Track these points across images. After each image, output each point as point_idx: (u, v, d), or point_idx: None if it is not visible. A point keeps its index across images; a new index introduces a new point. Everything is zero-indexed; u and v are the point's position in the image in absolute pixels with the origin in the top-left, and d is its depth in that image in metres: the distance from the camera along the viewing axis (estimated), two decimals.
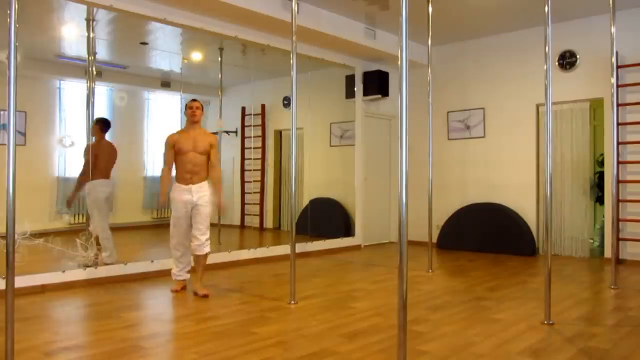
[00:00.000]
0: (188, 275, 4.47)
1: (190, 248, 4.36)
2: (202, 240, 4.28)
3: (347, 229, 7.36)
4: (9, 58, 2.39)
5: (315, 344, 3.02)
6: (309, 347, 2.96)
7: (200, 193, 4.27)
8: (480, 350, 2.91)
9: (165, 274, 5.07)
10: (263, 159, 7.43)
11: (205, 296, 4.17)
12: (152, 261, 5.06)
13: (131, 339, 3.11)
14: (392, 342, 2.99)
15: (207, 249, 4.32)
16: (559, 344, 3.04)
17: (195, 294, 4.25)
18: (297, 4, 4.47)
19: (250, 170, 7.44)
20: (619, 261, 5.87)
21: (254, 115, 7.27)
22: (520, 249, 6.61)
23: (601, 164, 6.86)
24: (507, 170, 7.00)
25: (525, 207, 6.80)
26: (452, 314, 3.73)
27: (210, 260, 6.17)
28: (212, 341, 3.06)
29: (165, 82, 7.09)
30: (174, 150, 4.29)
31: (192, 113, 4.34)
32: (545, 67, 3.66)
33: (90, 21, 5.07)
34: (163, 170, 4.36)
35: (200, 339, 3.10)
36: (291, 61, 4.13)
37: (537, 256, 6.55)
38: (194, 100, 4.40)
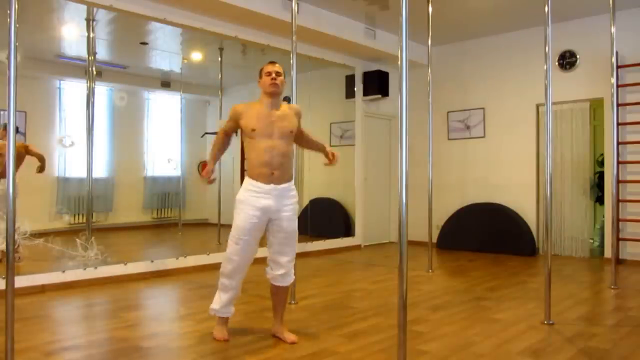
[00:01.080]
0: (233, 310, 3.16)
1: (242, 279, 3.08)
2: (289, 268, 3.03)
3: (346, 229, 7.36)
4: (9, 58, 2.39)
5: (315, 344, 3.02)
6: (309, 347, 2.96)
7: (287, 199, 2.97)
8: (480, 350, 2.91)
9: (165, 274, 5.07)
10: None
11: (294, 343, 3.01)
12: (152, 261, 5.06)
13: (131, 339, 3.11)
14: (392, 342, 2.98)
15: (292, 278, 3.11)
16: (559, 344, 3.04)
17: (275, 336, 3.11)
18: (297, 4, 4.42)
19: None
20: (619, 261, 5.87)
21: None
22: (520, 249, 6.61)
23: (601, 164, 6.86)
24: (507, 170, 7.00)
25: (525, 207, 6.80)
26: (452, 314, 3.73)
27: (211, 260, 6.17)
28: (212, 341, 3.06)
29: (166, 82, 7.10)
30: (238, 126, 2.99)
31: (273, 81, 2.93)
32: (545, 67, 3.66)
33: (90, 21, 5.08)
34: (216, 135, 3.13)
35: (201, 339, 3.10)
36: (291, 61, 4.14)
37: (537, 256, 6.55)
38: (272, 62, 3.03)
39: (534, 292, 4.42)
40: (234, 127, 3.03)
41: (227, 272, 2.98)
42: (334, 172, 7.66)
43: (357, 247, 7.31)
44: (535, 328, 3.37)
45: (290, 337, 3.04)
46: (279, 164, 2.90)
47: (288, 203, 2.97)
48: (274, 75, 2.94)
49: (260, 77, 3.00)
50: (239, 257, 2.94)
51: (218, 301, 3.06)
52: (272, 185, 2.89)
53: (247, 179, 2.94)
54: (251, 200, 2.88)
